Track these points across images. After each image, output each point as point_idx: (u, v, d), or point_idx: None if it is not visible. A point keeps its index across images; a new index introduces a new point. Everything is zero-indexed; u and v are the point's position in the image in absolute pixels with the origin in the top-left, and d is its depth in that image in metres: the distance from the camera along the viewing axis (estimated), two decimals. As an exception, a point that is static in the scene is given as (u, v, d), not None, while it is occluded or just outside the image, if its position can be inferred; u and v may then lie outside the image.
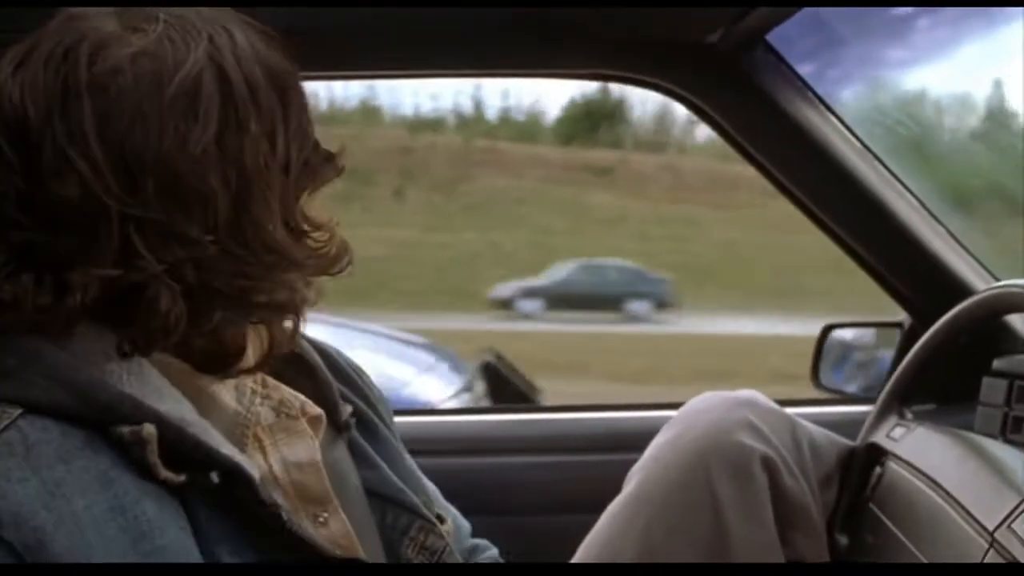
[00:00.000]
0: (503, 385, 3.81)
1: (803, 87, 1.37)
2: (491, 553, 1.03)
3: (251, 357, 0.73)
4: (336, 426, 0.83)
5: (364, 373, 0.94)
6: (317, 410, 0.79)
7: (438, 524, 0.85)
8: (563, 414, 1.58)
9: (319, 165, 0.74)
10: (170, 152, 0.65)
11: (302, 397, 0.79)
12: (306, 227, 0.72)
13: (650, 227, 15.72)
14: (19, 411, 0.64)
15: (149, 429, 0.65)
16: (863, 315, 1.69)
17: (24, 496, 0.60)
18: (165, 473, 0.65)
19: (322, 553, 0.71)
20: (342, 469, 0.82)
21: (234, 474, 0.68)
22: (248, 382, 0.74)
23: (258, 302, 0.69)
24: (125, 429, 0.65)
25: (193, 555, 0.65)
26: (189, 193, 0.66)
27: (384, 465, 0.86)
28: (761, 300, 12.74)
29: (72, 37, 0.67)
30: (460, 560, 0.88)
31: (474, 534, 1.01)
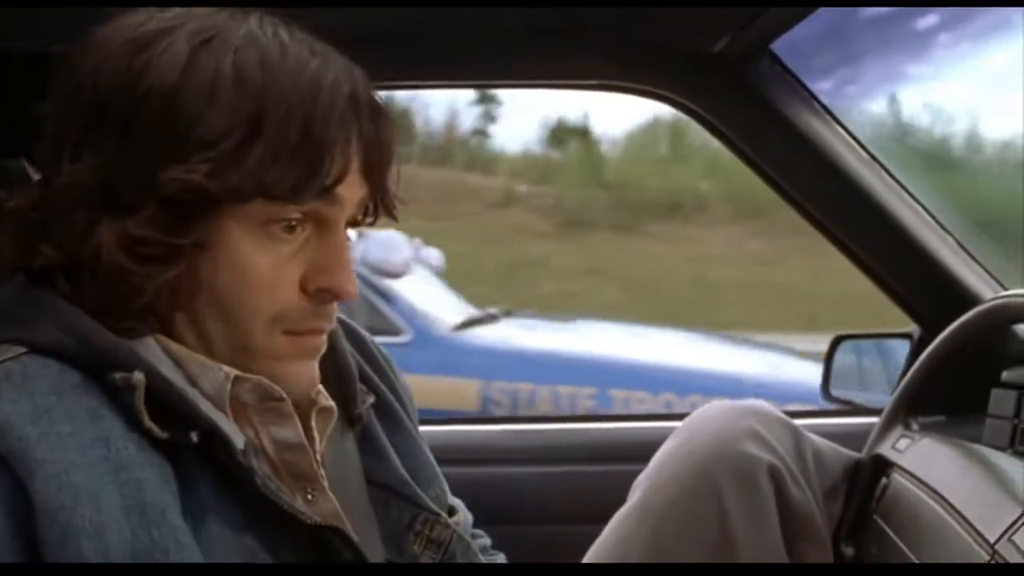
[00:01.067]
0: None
1: (808, 96, 1.37)
2: (494, 558, 1.03)
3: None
4: (350, 418, 0.84)
5: (392, 361, 0.95)
6: (330, 403, 0.80)
7: (443, 515, 0.85)
8: (568, 424, 1.58)
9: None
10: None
11: (319, 387, 0.79)
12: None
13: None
14: (24, 349, 0.68)
15: (139, 376, 0.68)
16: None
17: (13, 412, 0.65)
18: (149, 423, 0.68)
19: (302, 520, 0.72)
20: (346, 462, 0.83)
21: (213, 435, 0.70)
22: (224, 368, 0.74)
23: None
24: (117, 375, 0.68)
25: (170, 502, 0.67)
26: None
27: (394, 458, 0.86)
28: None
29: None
30: (472, 549, 0.87)
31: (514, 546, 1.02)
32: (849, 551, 1.13)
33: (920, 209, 1.42)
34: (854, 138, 1.38)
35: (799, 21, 1.22)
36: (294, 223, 0.72)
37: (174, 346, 0.73)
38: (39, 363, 0.68)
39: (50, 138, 0.73)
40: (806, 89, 1.36)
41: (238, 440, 0.72)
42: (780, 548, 1.06)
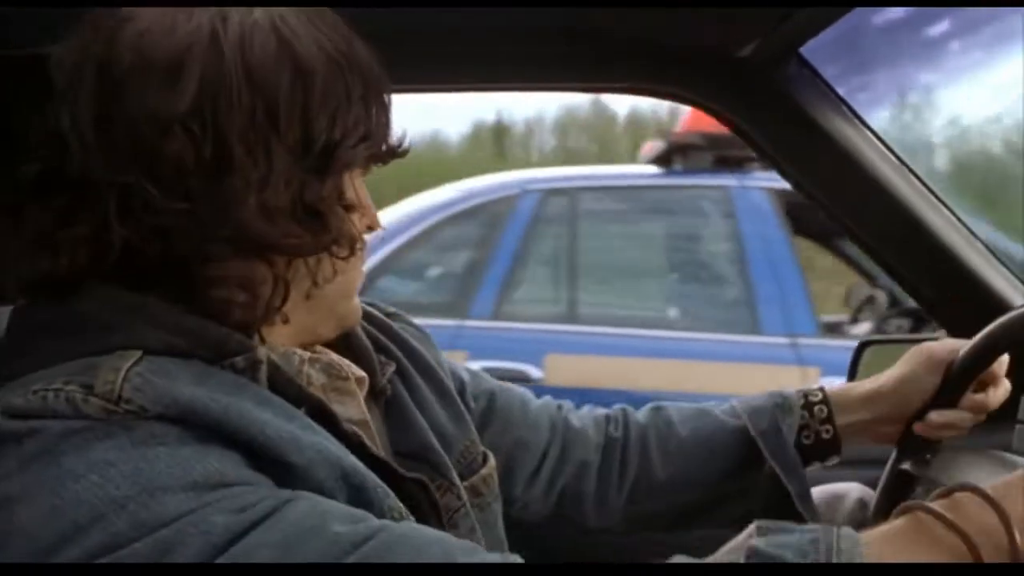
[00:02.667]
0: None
1: (837, 101, 1.36)
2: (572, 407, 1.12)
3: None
4: (373, 391, 0.87)
5: (408, 323, 1.01)
6: (360, 372, 0.84)
7: (459, 486, 0.88)
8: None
9: (354, 153, 0.75)
10: (138, 118, 0.69)
11: (346, 361, 0.84)
12: (296, 210, 0.72)
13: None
14: (140, 352, 0.68)
15: (263, 350, 0.72)
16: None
17: (191, 394, 0.66)
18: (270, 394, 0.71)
19: (400, 475, 0.79)
20: (374, 434, 0.85)
21: (320, 412, 0.74)
22: (295, 349, 0.79)
23: (209, 275, 0.72)
24: (238, 359, 0.71)
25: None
26: (157, 159, 0.68)
27: (421, 423, 0.89)
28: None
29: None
30: (489, 520, 0.92)
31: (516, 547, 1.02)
32: None
33: (949, 214, 1.41)
34: (884, 143, 1.37)
35: (830, 24, 1.21)
36: None
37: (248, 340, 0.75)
38: (164, 360, 0.68)
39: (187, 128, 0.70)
40: (835, 93, 1.35)
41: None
42: None
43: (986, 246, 1.41)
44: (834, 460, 1.10)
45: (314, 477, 0.68)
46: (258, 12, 0.72)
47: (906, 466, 1.13)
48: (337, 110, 0.72)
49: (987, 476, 1.02)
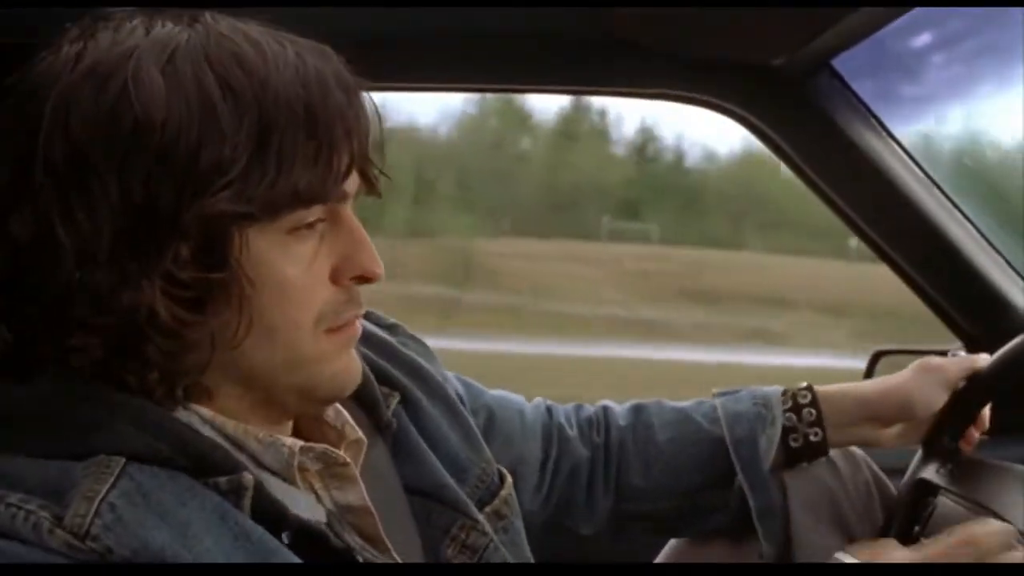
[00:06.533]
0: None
1: (866, 113, 1.37)
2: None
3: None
4: (378, 425, 0.84)
5: (409, 336, 0.95)
6: (357, 434, 0.79)
7: (482, 521, 0.85)
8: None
9: (213, 206, 0.64)
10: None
11: (345, 415, 0.79)
12: (128, 283, 0.65)
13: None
14: (123, 460, 0.64)
15: (248, 477, 0.67)
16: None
17: (163, 541, 0.62)
18: (252, 523, 0.67)
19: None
20: (381, 474, 0.82)
21: (304, 530, 0.69)
22: (284, 440, 0.73)
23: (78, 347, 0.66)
24: (222, 479, 0.66)
25: None
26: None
27: (431, 459, 0.85)
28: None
29: None
30: (516, 544, 0.89)
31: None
32: None
33: (971, 228, 1.42)
34: (911, 157, 1.39)
35: (865, 37, 1.23)
36: (313, 222, 0.69)
37: (230, 425, 0.71)
38: (147, 474, 0.64)
39: (12, 205, 0.65)
40: (865, 106, 1.37)
41: (319, 515, 0.72)
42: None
43: (1008, 261, 1.43)
44: (821, 460, 1.09)
45: None
46: (150, 41, 0.65)
47: (927, 475, 1.14)
48: (193, 159, 0.63)
49: (1007, 487, 1.04)
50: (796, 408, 1.07)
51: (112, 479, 0.63)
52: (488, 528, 0.85)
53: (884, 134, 1.38)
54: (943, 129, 1.58)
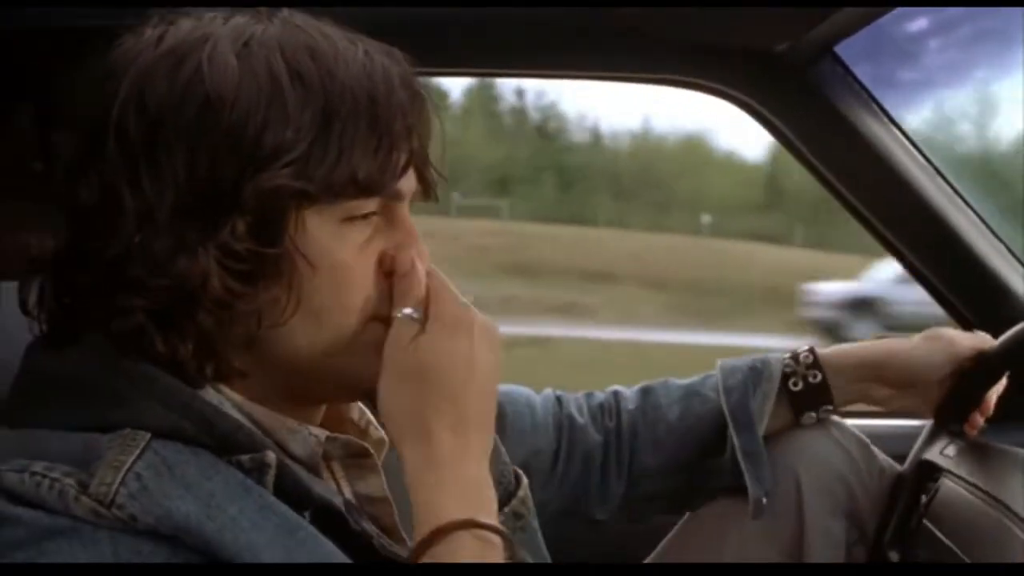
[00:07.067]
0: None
1: (869, 100, 1.37)
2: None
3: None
4: None
5: None
6: (380, 433, 0.80)
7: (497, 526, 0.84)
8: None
9: (273, 185, 0.67)
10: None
11: (369, 415, 0.80)
12: (180, 253, 0.67)
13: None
14: (148, 435, 0.65)
15: (271, 455, 0.67)
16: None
17: (187, 510, 0.62)
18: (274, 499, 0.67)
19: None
20: (400, 470, 0.81)
21: (326, 510, 0.70)
22: (310, 428, 0.74)
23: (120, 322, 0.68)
24: (245, 458, 0.67)
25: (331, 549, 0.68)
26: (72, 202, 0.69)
27: None
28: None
29: None
30: (534, 545, 0.89)
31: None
32: (894, 556, 1.14)
33: (974, 216, 1.42)
34: (913, 144, 1.38)
35: (868, 23, 1.23)
36: (367, 214, 0.72)
37: (258, 410, 0.72)
38: (171, 450, 0.65)
39: (82, 172, 0.68)
40: (868, 92, 1.37)
41: (337, 503, 0.72)
42: (841, 554, 1.08)
43: (1010, 250, 1.42)
44: (828, 409, 1.10)
45: None
46: (227, 28, 0.69)
47: (930, 456, 1.15)
48: (258, 137, 0.66)
49: (1010, 472, 1.04)
50: (794, 357, 1.10)
51: (138, 451, 0.64)
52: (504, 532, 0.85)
53: (887, 120, 1.38)
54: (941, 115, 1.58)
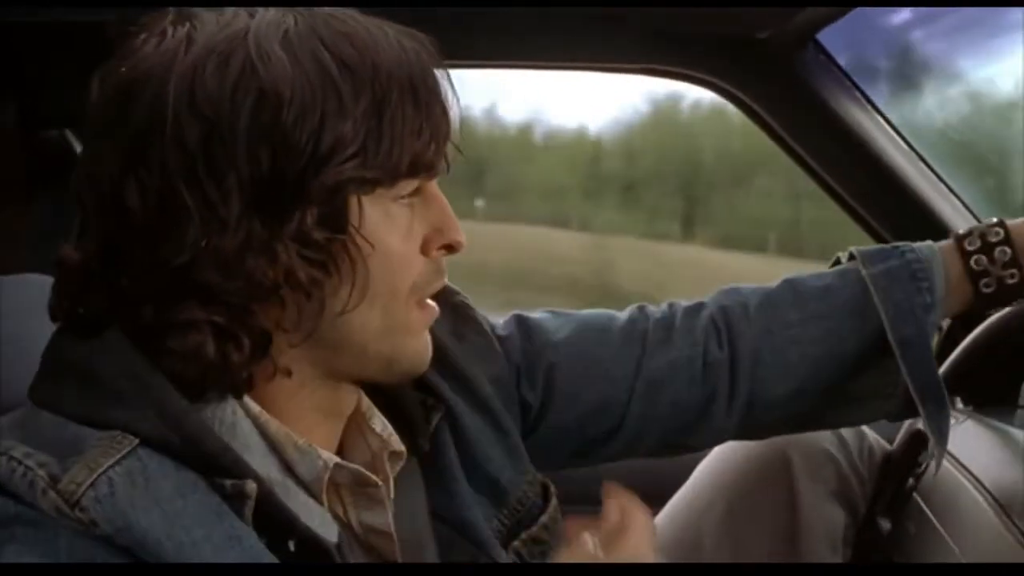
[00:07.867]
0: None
1: (851, 87, 1.39)
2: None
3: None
4: (414, 444, 0.81)
5: (473, 320, 0.90)
6: (400, 447, 0.78)
7: (503, 559, 0.82)
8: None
9: (339, 175, 0.67)
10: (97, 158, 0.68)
11: (389, 429, 0.78)
12: (253, 250, 0.66)
13: None
14: (136, 441, 0.64)
15: (252, 486, 0.66)
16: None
17: (148, 525, 0.62)
18: (252, 530, 0.66)
19: None
20: (411, 491, 0.81)
21: (310, 544, 0.69)
22: (320, 452, 0.72)
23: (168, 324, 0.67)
24: (227, 482, 0.66)
25: None
26: (117, 205, 0.67)
27: (462, 490, 0.83)
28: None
29: None
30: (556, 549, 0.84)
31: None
32: (886, 524, 1.14)
33: (957, 202, 1.43)
34: (896, 130, 1.40)
35: (850, 8, 1.24)
36: (406, 195, 0.72)
37: (273, 425, 0.71)
38: (155, 460, 0.64)
39: (124, 177, 0.66)
40: (850, 80, 1.38)
41: (331, 533, 0.72)
42: (838, 538, 1.09)
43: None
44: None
45: None
46: (260, 22, 0.68)
47: (921, 426, 1.15)
48: (319, 132, 0.66)
49: (997, 454, 1.05)
50: (986, 248, 0.92)
51: (119, 456, 0.63)
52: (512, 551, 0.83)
53: (870, 108, 1.39)
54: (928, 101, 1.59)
